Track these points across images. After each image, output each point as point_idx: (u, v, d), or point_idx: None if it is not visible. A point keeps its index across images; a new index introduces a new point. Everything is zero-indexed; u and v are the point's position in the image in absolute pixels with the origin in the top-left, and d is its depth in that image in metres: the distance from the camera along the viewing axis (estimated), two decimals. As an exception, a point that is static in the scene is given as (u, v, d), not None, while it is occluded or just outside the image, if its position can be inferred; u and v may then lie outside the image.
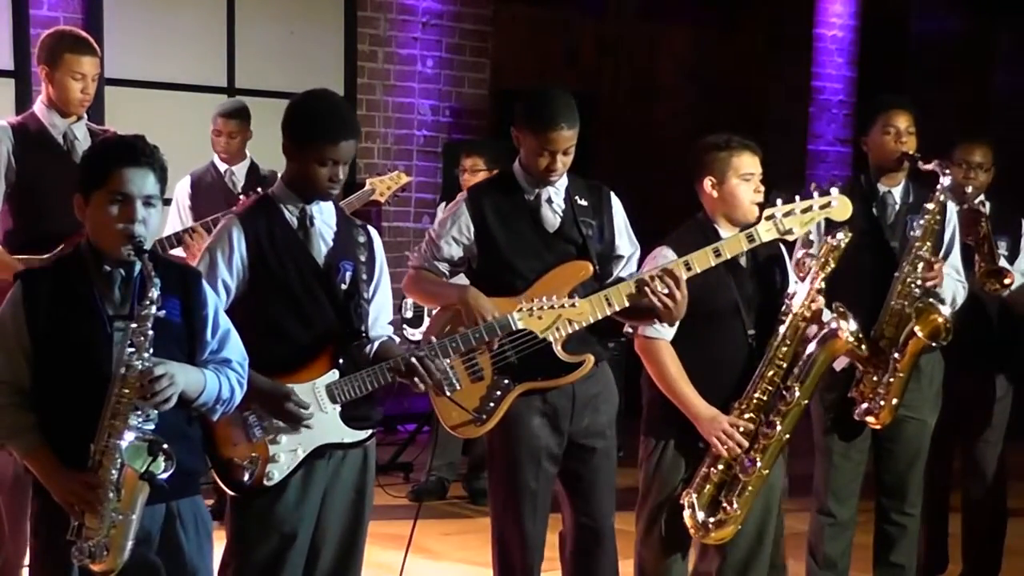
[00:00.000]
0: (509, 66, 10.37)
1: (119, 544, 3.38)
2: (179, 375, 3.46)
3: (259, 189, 6.05)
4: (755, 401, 4.58)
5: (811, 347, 4.62)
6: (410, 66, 9.91)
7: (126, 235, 3.44)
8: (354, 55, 9.68)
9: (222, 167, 7.06)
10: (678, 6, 11.37)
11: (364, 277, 4.14)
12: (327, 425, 4.03)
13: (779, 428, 4.58)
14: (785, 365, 4.59)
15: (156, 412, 3.42)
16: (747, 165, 4.60)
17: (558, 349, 4.46)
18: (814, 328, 4.64)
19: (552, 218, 4.58)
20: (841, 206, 4.53)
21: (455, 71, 10.10)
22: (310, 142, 4.01)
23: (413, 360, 4.03)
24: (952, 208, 5.37)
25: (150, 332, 3.39)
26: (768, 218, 4.46)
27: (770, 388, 4.59)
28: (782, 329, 4.58)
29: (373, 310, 4.19)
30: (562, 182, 4.59)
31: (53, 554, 3.47)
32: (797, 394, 4.58)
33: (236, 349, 3.71)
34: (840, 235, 4.63)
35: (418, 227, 9.83)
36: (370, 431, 4.14)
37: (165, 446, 3.39)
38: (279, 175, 4.24)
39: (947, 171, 5.15)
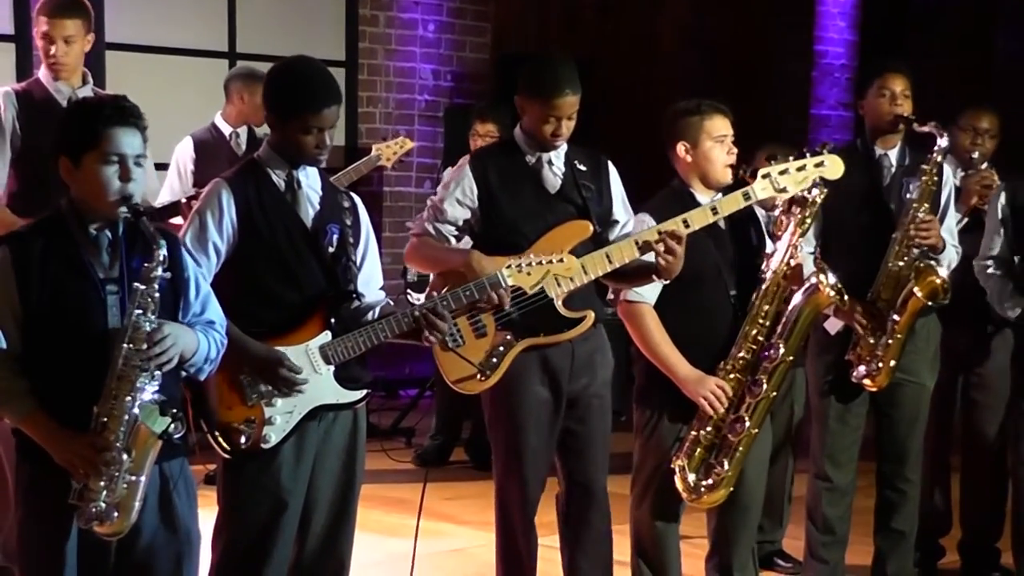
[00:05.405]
0: (510, 30, 10.35)
1: (128, 505, 3.40)
2: (181, 336, 3.49)
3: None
4: (740, 361, 4.62)
5: (794, 303, 4.66)
6: (411, 30, 9.88)
7: (123, 196, 3.44)
8: (355, 19, 9.66)
9: (226, 129, 7.02)
10: (680, -31, 11.34)
11: (351, 240, 4.15)
12: (322, 386, 4.04)
13: (765, 386, 4.61)
14: (768, 323, 4.63)
15: (159, 373, 3.44)
16: (719, 127, 4.66)
17: (559, 305, 4.52)
18: (796, 284, 4.68)
19: (553, 180, 4.64)
20: (832, 165, 4.57)
21: (456, 35, 10.07)
22: (293, 113, 4.02)
23: (419, 313, 4.02)
24: (949, 171, 5.37)
25: (156, 294, 3.41)
26: (764, 176, 4.50)
27: (754, 347, 4.63)
28: (763, 288, 4.62)
29: (364, 276, 4.20)
30: (562, 147, 4.65)
31: (47, 521, 3.47)
32: (782, 351, 4.61)
33: (216, 311, 3.72)
34: (815, 191, 4.66)
35: (420, 192, 9.83)
36: (363, 392, 4.15)
37: (175, 409, 3.42)
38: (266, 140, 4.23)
39: (944, 133, 5.17)
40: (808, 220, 4.68)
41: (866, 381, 5.21)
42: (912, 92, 5.28)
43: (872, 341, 5.17)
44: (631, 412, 4.87)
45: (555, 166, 4.65)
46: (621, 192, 4.77)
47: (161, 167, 6.59)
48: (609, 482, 4.78)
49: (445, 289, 4.26)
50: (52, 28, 5.23)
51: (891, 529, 5.46)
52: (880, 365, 5.17)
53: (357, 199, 4.28)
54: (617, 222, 4.73)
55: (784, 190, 4.51)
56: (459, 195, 4.63)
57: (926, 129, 5.16)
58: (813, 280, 4.68)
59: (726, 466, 4.61)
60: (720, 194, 4.66)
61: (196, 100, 8.19)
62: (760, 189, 4.50)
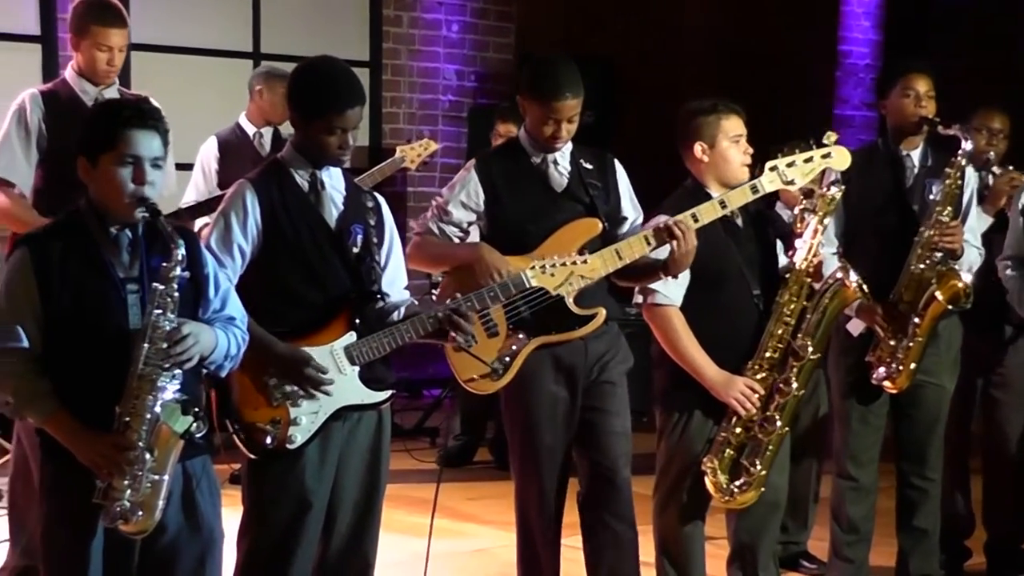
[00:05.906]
0: (534, 30, 10.33)
1: (152, 504, 3.42)
2: (201, 335, 3.50)
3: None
4: (767, 360, 4.62)
5: (819, 299, 4.66)
6: (435, 31, 9.89)
7: (138, 197, 3.45)
8: (379, 20, 9.68)
9: (250, 129, 7.04)
10: (704, -31, 11.32)
11: (375, 240, 4.17)
12: (347, 387, 4.05)
13: (794, 384, 4.62)
14: (793, 321, 4.63)
15: (180, 372, 3.46)
16: (735, 127, 4.67)
17: (570, 303, 4.52)
18: (819, 281, 4.69)
19: (559, 179, 4.65)
20: (839, 156, 4.60)
21: (480, 35, 10.08)
22: (316, 113, 4.04)
23: (444, 314, 4.03)
24: (971, 173, 5.36)
25: (176, 293, 3.42)
26: (772, 169, 4.53)
27: (780, 345, 4.63)
28: (787, 285, 4.63)
29: (388, 276, 4.22)
30: (567, 147, 4.67)
31: (72, 520, 3.48)
32: (810, 348, 4.62)
33: (237, 307, 3.74)
34: (834, 188, 4.67)
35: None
36: (388, 392, 4.15)
37: (196, 408, 3.44)
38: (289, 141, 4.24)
39: (968, 137, 5.16)
40: (828, 217, 4.69)
41: (886, 383, 5.20)
42: (936, 92, 5.28)
43: (893, 343, 5.17)
44: (653, 414, 4.87)
45: (561, 165, 4.66)
46: (628, 189, 4.78)
47: (185, 167, 6.61)
48: (633, 483, 4.76)
49: (456, 294, 4.25)
50: (108, 38, 5.24)
51: (913, 527, 5.45)
52: (900, 367, 5.16)
53: (381, 199, 4.29)
54: (626, 219, 4.74)
55: (792, 182, 4.54)
56: (464, 197, 4.65)
57: (951, 132, 5.15)
58: (839, 275, 4.70)
59: (758, 466, 4.61)
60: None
61: (220, 100, 8.23)
62: (768, 182, 4.51)
